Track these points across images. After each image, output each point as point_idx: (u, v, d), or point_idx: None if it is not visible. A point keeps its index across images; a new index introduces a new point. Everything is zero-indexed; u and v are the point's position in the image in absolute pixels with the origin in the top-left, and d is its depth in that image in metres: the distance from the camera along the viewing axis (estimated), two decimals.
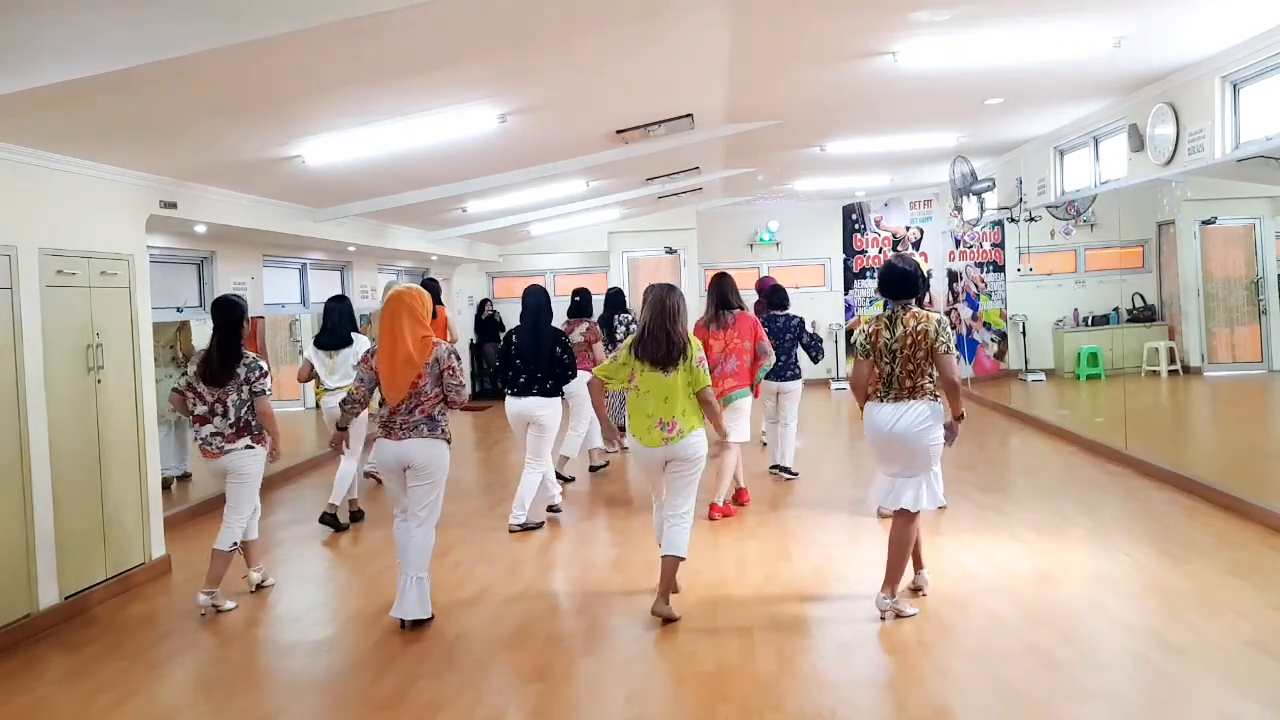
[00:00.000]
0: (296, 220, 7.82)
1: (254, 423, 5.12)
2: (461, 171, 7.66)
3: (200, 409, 5.05)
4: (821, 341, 7.68)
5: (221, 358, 5.03)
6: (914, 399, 4.45)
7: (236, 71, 4.01)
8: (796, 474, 7.73)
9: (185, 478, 8.17)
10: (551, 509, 6.74)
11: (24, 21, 3.44)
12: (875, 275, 14.53)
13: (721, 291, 6.55)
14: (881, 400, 4.53)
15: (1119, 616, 4.44)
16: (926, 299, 5.48)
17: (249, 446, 5.09)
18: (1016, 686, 3.73)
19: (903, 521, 4.56)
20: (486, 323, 14.11)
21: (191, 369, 5.11)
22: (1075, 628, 4.30)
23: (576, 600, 5.08)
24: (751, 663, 4.07)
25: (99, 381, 5.33)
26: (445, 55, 4.55)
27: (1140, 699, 3.67)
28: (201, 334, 8.67)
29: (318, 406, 7.28)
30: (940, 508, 4.95)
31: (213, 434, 5.05)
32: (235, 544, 5.14)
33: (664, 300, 4.69)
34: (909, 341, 4.42)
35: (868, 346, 4.55)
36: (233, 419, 5.05)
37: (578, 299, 8.00)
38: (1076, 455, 8.39)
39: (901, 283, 4.54)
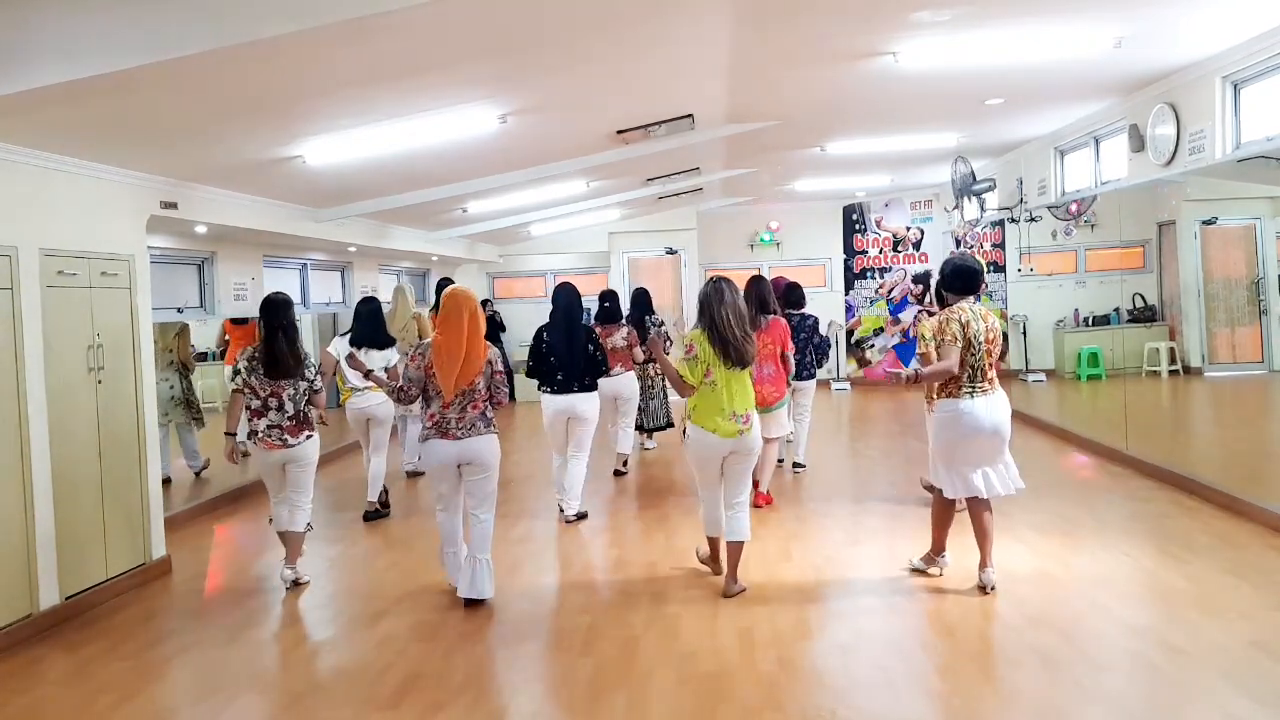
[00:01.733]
0: (297, 221, 7.82)
1: (306, 413, 5.40)
2: (462, 172, 7.67)
3: (254, 403, 5.28)
4: (830, 347, 7.74)
5: (288, 354, 5.27)
6: (994, 390, 4.72)
7: (237, 72, 4.01)
8: (805, 466, 8.00)
9: (202, 469, 8.20)
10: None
11: (24, 21, 3.45)
12: (877, 274, 14.56)
13: (761, 294, 6.56)
14: (972, 396, 4.67)
15: (1120, 617, 4.44)
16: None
17: (309, 437, 5.39)
18: (1018, 687, 3.73)
19: (983, 506, 4.79)
20: (487, 323, 14.10)
21: (242, 364, 5.29)
22: (1076, 628, 4.30)
23: (577, 600, 5.08)
24: (752, 663, 4.07)
25: (99, 382, 5.33)
26: (446, 56, 4.55)
27: (1141, 699, 3.67)
28: (202, 337, 8.68)
29: (340, 405, 7.37)
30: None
31: (270, 426, 5.28)
32: (309, 525, 5.54)
33: (736, 302, 4.86)
34: (990, 337, 4.70)
35: (960, 334, 4.62)
36: (291, 412, 5.30)
37: (607, 304, 7.91)
38: (1077, 456, 8.39)
39: (971, 278, 4.81)
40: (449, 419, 4.84)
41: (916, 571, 5.04)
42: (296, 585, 5.42)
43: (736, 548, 4.96)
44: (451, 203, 8.96)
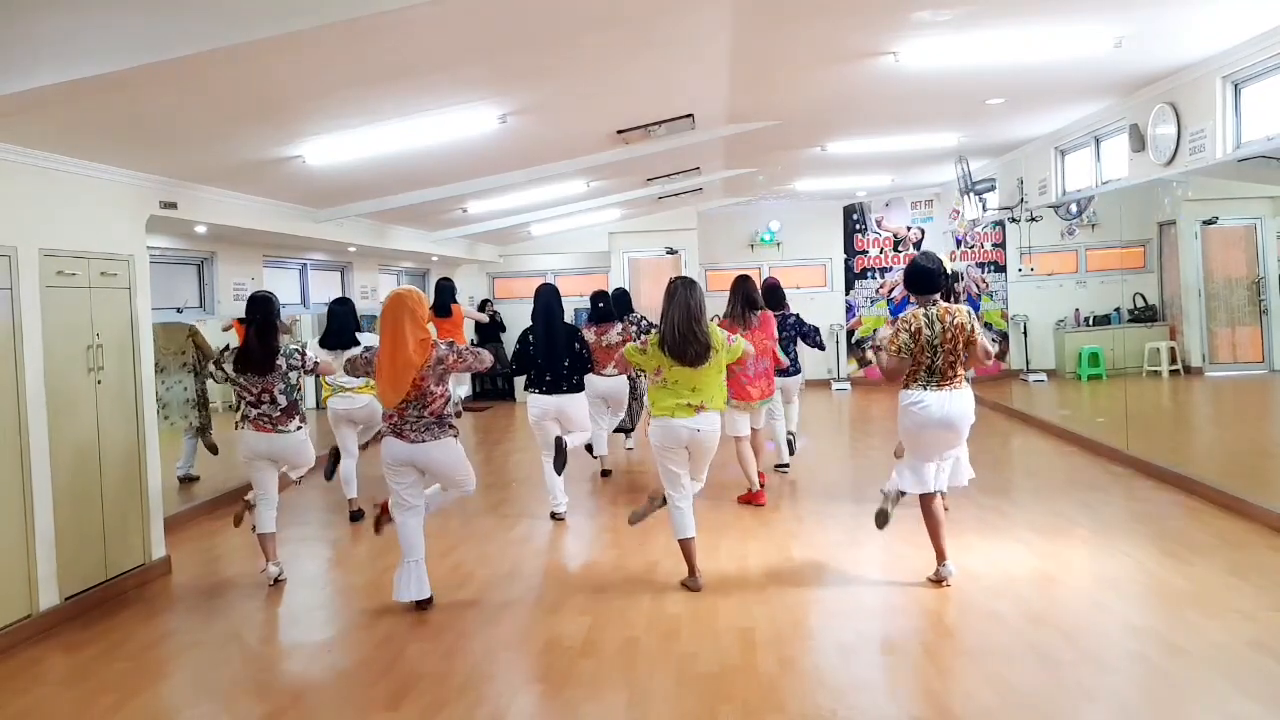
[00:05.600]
0: (297, 221, 7.81)
1: (300, 403, 5.56)
2: (462, 172, 7.66)
3: (248, 397, 5.46)
4: (818, 330, 8.14)
5: (262, 350, 5.38)
6: (955, 386, 4.88)
7: (237, 72, 4.01)
8: (796, 434, 8.30)
9: (192, 480, 8.14)
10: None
11: (24, 22, 3.44)
12: (878, 274, 14.56)
13: (748, 292, 6.85)
14: (925, 389, 4.86)
15: (1121, 617, 4.44)
16: (953, 293, 5.79)
17: (299, 428, 5.54)
18: (1018, 687, 3.72)
19: (937, 500, 5.02)
20: (488, 324, 14.09)
21: (229, 366, 5.42)
22: (1077, 628, 4.29)
23: (577, 601, 5.08)
24: (752, 663, 4.07)
25: (99, 382, 5.33)
26: (446, 56, 4.55)
27: (1142, 700, 3.66)
28: (215, 337, 8.67)
29: (320, 407, 7.38)
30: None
31: (261, 415, 5.45)
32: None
33: (688, 301, 4.95)
34: (949, 335, 4.82)
35: (910, 344, 4.84)
36: (283, 404, 5.46)
37: (600, 305, 7.92)
38: (1078, 456, 8.38)
39: (928, 279, 4.93)
40: (406, 420, 4.81)
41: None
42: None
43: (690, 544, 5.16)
44: (451, 203, 8.96)
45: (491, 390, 14.30)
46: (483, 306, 14.29)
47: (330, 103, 5.02)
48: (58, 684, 4.26)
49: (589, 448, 7.93)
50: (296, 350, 5.56)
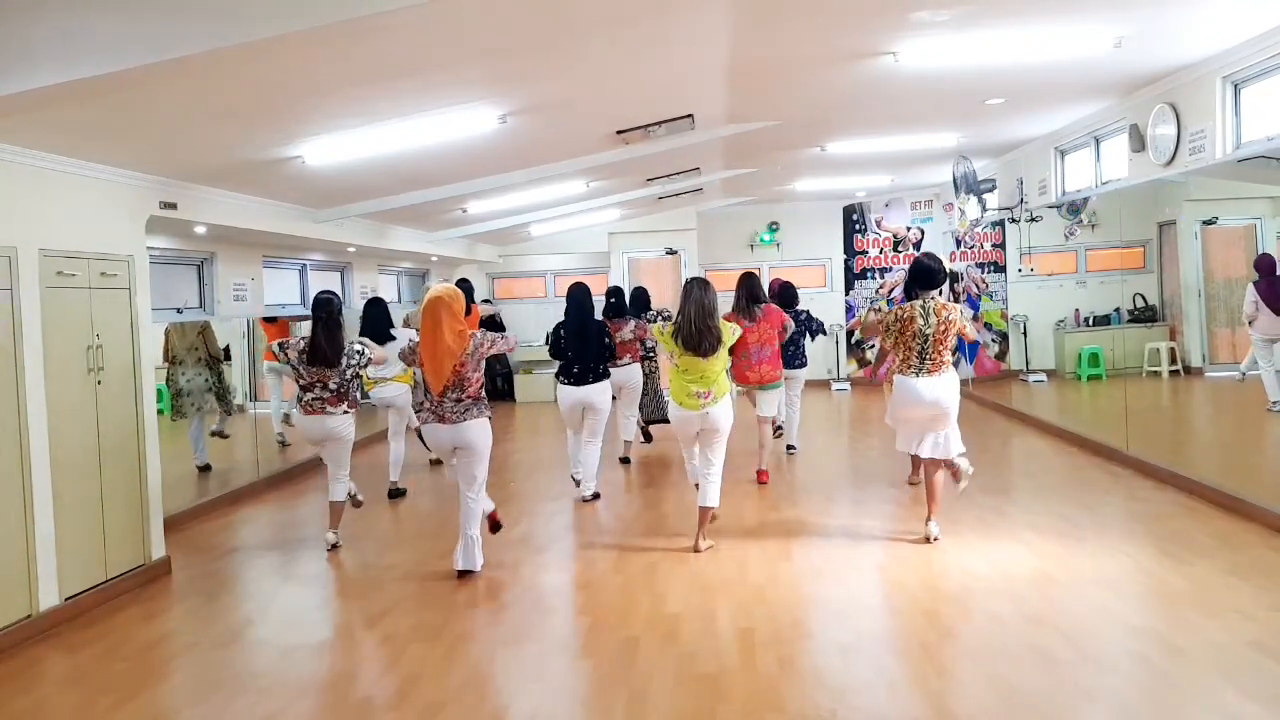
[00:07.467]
0: (296, 221, 7.81)
1: (350, 391, 6.10)
2: (462, 172, 7.67)
3: (302, 381, 6.05)
4: (822, 323, 8.96)
5: (330, 348, 5.96)
6: (943, 371, 5.54)
7: (237, 72, 4.01)
8: (796, 448, 8.88)
9: (206, 469, 8.34)
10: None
11: (23, 21, 3.44)
12: (878, 274, 14.57)
13: (752, 288, 7.55)
14: (916, 375, 5.53)
15: (1120, 617, 4.44)
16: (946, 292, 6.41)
17: (346, 412, 6.09)
18: (1017, 687, 3.72)
19: (939, 465, 5.70)
20: (487, 323, 14.09)
21: (293, 354, 6.02)
22: (1076, 628, 4.29)
23: (577, 601, 5.08)
24: (752, 663, 4.07)
25: (99, 383, 5.33)
26: (445, 56, 4.55)
27: (1141, 700, 3.66)
28: (222, 332, 8.73)
29: (365, 397, 8.00)
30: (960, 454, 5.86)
31: (314, 399, 6.03)
32: (350, 493, 6.35)
33: (702, 299, 5.62)
34: (941, 328, 5.48)
35: (896, 329, 5.56)
36: (333, 389, 6.04)
37: (614, 300, 8.48)
38: (1078, 456, 8.38)
39: (930, 277, 5.62)
40: (445, 404, 5.30)
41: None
42: (334, 549, 6.13)
43: (704, 512, 5.80)
44: (451, 203, 8.96)
45: (491, 391, 14.28)
46: (482, 306, 14.31)
47: (329, 103, 5.02)
48: (58, 684, 4.26)
49: (624, 460, 8.60)
50: (358, 350, 6.13)
